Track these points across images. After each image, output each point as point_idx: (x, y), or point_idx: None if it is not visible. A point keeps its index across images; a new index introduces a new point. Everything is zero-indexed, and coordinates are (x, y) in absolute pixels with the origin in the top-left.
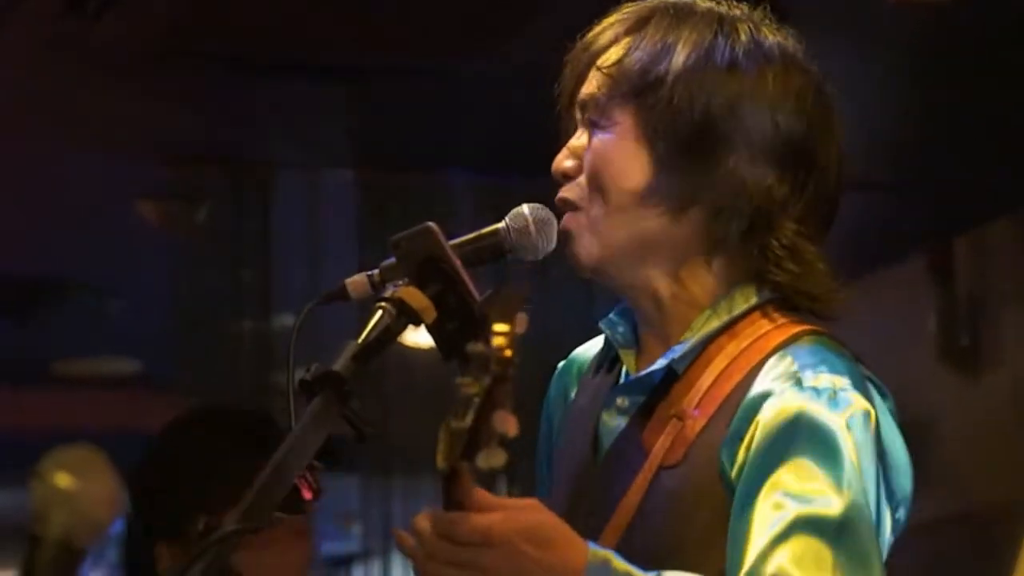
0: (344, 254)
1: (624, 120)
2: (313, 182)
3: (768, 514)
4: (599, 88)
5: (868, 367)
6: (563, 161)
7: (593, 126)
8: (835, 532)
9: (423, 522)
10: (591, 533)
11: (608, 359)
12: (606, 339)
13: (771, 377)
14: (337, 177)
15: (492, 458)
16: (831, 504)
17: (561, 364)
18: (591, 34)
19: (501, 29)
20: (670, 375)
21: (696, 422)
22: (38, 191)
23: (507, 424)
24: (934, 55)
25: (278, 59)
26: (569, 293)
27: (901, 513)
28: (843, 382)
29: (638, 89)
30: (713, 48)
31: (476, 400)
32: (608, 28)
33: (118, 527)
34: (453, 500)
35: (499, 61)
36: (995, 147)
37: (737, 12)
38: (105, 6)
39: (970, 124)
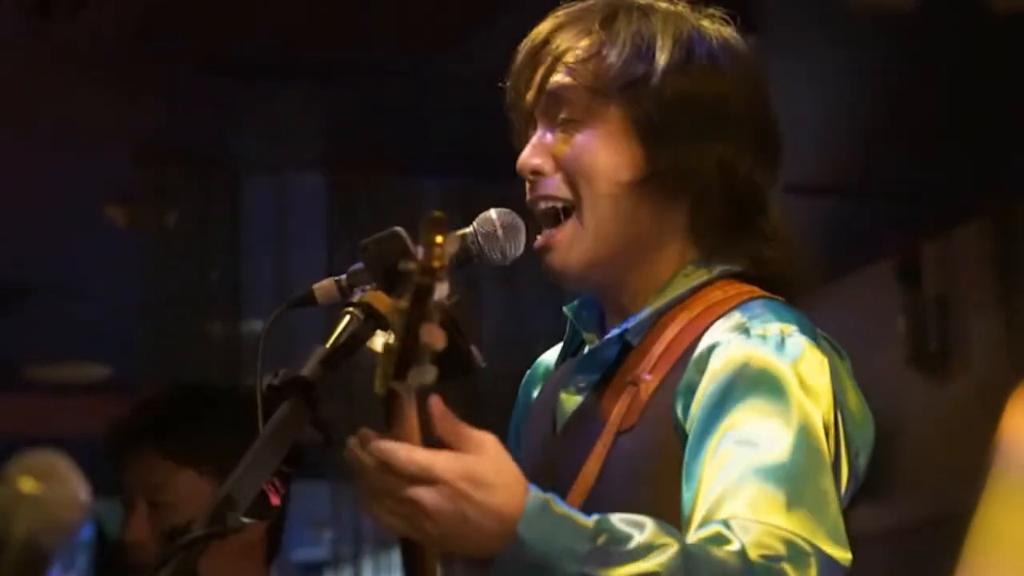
0: (313, 256)
1: (609, 116)
2: (282, 184)
3: (720, 460)
4: (572, 84)
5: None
6: (532, 158)
7: (567, 123)
8: (787, 474)
9: (364, 453)
10: None
11: (572, 349)
12: (569, 327)
13: (719, 331)
14: (306, 179)
15: (423, 375)
16: (782, 447)
17: (528, 372)
18: (544, 30)
19: (470, 30)
20: (625, 348)
21: (649, 384)
22: (4, 193)
23: (434, 336)
24: (900, 60)
25: (247, 60)
26: (538, 295)
27: (861, 460)
28: (790, 328)
29: (623, 85)
30: (691, 43)
31: (405, 316)
32: (567, 25)
33: (87, 532)
34: (395, 424)
35: (468, 62)
36: (964, 151)
37: (691, 9)
38: (74, 7)
39: (939, 128)
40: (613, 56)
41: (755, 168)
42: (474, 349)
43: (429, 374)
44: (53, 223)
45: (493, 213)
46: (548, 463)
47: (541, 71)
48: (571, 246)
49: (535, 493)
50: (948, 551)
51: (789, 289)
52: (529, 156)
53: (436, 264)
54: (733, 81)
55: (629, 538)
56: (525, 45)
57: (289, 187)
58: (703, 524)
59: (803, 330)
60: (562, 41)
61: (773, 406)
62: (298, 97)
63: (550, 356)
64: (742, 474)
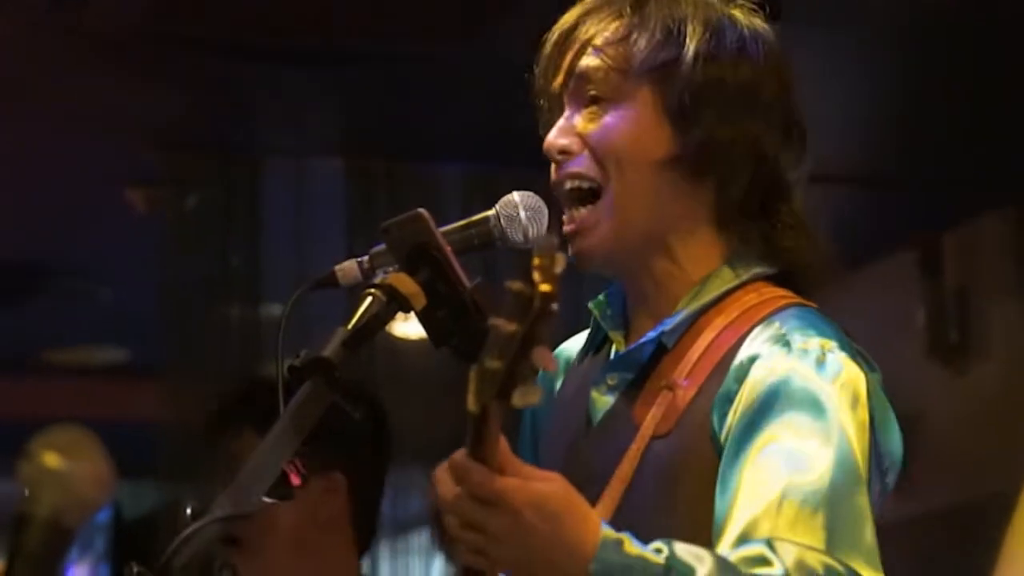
0: (333, 241)
1: (640, 96)
2: (302, 169)
3: (759, 473)
4: (601, 66)
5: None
6: (559, 139)
7: (596, 101)
8: (826, 497)
9: (444, 471)
10: None
11: (595, 344)
12: (593, 322)
13: (759, 341)
14: (326, 164)
15: (528, 395)
16: (822, 468)
17: None
18: (573, 16)
19: (491, 16)
20: (659, 350)
21: (686, 392)
22: (26, 178)
23: (547, 360)
24: (922, 52)
25: (268, 46)
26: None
27: (891, 477)
28: (831, 344)
29: (655, 66)
30: (722, 29)
31: (516, 337)
32: (595, 10)
33: (105, 515)
34: (480, 444)
35: (489, 47)
36: (983, 142)
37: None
38: None
39: (959, 119)
40: (644, 39)
41: (780, 155)
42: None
43: (534, 395)
44: (73, 207)
45: (516, 196)
46: (580, 462)
47: (570, 55)
48: (598, 227)
49: (607, 531)
50: (969, 540)
51: (816, 287)
52: (556, 136)
53: (550, 289)
54: (762, 69)
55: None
56: (554, 32)
57: (309, 172)
58: (743, 540)
59: (842, 346)
60: (591, 25)
61: (813, 424)
62: (318, 82)
63: (571, 346)
64: (783, 493)
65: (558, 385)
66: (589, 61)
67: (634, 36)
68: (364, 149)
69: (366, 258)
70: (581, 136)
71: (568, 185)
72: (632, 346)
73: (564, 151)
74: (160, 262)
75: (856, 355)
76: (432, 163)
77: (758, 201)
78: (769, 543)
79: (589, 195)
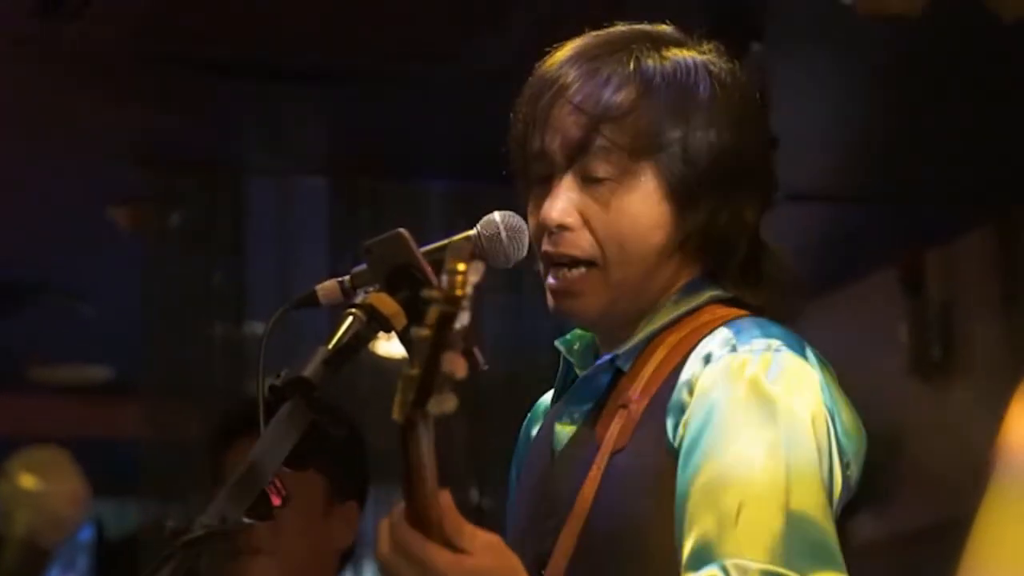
0: (316, 259)
1: (644, 176)
2: (285, 187)
3: (710, 487)
4: (609, 145)
5: (823, 355)
6: (565, 217)
7: (599, 181)
8: (780, 507)
9: (384, 530)
10: (553, 531)
11: (567, 383)
12: (563, 361)
13: (709, 347)
14: (309, 182)
15: (443, 403)
16: (774, 478)
17: (528, 415)
18: (569, 73)
19: (475, 34)
20: (616, 376)
21: (639, 404)
22: (9, 194)
23: (456, 365)
24: (906, 68)
25: (251, 64)
26: (542, 301)
27: (852, 471)
28: (777, 343)
29: (658, 145)
30: (718, 102)
31: (425, 343)
32: (592, 71)
33: (88, 533)
34: (409, 455)
35: (471, 67)
36: (966, 159)
37: (709, 49)
38: (79, 9)
39: (941, 136)
40: (651, 114)
41: (760, 214)
42: (476, 351)
43: (449, 403)
44: (57, 225)
45: (497, 216)
46: (546, 489)
47: (571, 122)
48: (593, 295)
49: None
50: (950, 559)
51: (777, 313)
52: (558, 211)
53: (459, 293)
54: (749, 129)
55: None
56: (546, 81)
57: (292, 190)
58: (697, 559)
59: (789, 344)
60: (593, 90)
61: (763, 431)
62: (301, 100)
63: (548, 397)
64: (738, 506)
65: (534, 432)
66: (592, 137)
67: (640, 111)
68: (347, 167)
69: (347, 278)
70: (582, 214)
71: (565, 260)
72: (588, 372)
73: (563, 226)
74: (143, 280)
75: (804, 351)
76: (415, 181)
77: (746, 262)
78: (723, 567)
79: (583, 263)
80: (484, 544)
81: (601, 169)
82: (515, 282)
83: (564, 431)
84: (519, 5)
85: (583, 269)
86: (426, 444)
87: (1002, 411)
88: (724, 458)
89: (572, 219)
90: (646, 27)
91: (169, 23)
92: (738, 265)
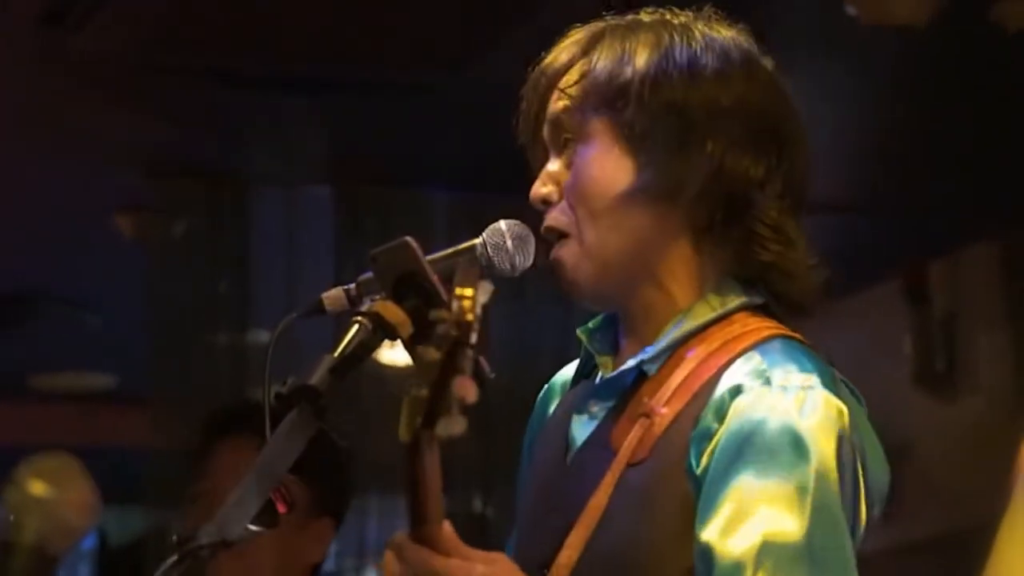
0: (321, 268)
1: (600, 130)
2: (290, 196)
3: (733, 525)
4: (566, 107)
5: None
6: (540, 188)
7: (567, 144)
8: (805, 551)
9: (391, 554)
10: (559, 534)
11: (587, 369)
12: (584, 349)
13: (740, 374)
14: (314, 191)
15: (451, 425)
16: (799, 519)
17: (544, 389)
18: (544, 59)
19: (480, 43)
20: (641, 377)
21: (663, 418)
22: (14, 203)
23: (466, 389)
24: (910, 78)
25: (256, 72)
26: (546, 309)
27: (876, 509)
28: (812, 380)
29: (607, 97)
30: (671, 48)
31: (436, 366)
32: (562, 51)
33: (90, 541)
34: (415, 476)
35: (477, 76)
36: (972, 170)
37: (684, 18)
38: (85, 18)
39: (946, 146)
40: (595, 73)
41: (751, 166)
42: (482, 360)
43: (458, 425)
44: (61, 234)
45: (503, 224)
46: (556, 491)
47: (540, 98)
48: (576, 265)
49: None
50: (956, 570)
51: (801, 315)
52: (537, 186)
53: (469, 318)
54: (720, 81)
55: None
56: (529, 74)
57: (297, 199)
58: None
59: (824, 381)
60: (558, 67)
61: (792, 472)
62: (307, 109)
63: (567, 371)
64: (761, 550)
65: (551, 409)
66: (556, 104)
67: (588, 71)
68: (353, 176)
69: (353, 286)
70: (559, 183)
71: (549, 237)
72: (613, 374)
73: (545, 200)
74: (148, 288)
75: (839, 388)
76: (421, 190)
77: (730, 214)
78: None
79: (561, 234)
80: (490, 556)
81: (567, 132)
82: (519, 290)
83: (581, 428)
84: (524, 15)
85: (561, 241)
86: (432, 465)
87: (1006, 422)
88: (749, 499)
89: (547, 189)
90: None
91: (174, 33)
92: (724, 221)
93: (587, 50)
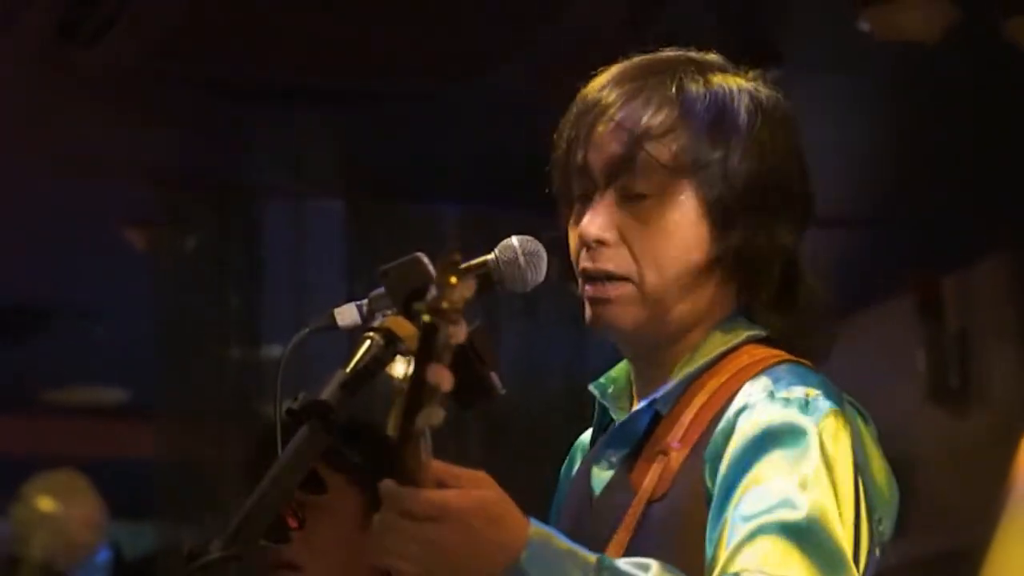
0: (331, 282)
1: (683, 194)
2: (301, 210)
3: (739, 513)
4: (650, 162)
5: (853, 398)
6: (600, 232)
7: (639, 197)
8: (803, 529)
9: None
10: None
11: (602, 425)
12: (597, 404)
13: (747, 396)
14: (325, 205)
15: (431, 416)
16: (798, 505)
17: (567, 457)
18: (612, 95)
19: (492, 57)
20: (655, 418)
21: (679, 453)
22: (24, 216)
23: (440, 377)
24: (922, 94)
25: (267, 86)
26: (557, 327)
27: (885, 525)
28: (815, 392)
29: (701, 165)
30: (758, 119)
31: (412, 356)
32: (634, 91)
33: (105, 556)
34: (406, 469)
35: (490, 89)
36: (985, 185)
37: (754, 78)
38: (96, 32)
39: (959, 161)
40: (692, 133)
41: (799, 241)
42: (493, 376)
43: (436, 416)
44: (71, 247)
45: (515, 240)
46: (581, 534)
47: (613, 139)
48: (628, 310)
49: (536, 527)
50: None
51: (811, 350)
52: (597, 226)
53: (444, 306)
54: (789, 154)
55: None
56: (589, 101)
57: (307, 212)
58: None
59: (827, 394)
60: (635, 110)
61: (794, 460)
62: (317, 123)
63: (585, 436)
64: (759, 527)
65: (574, 472)
66: (634, 153)
67: (681, 129)
68: (363, 190)
69: (365, 301)
70: (620, 231)
71: (596, 277)
72: (626, 417)
73: (600, 242)
74: (158, 302)
75: (845, 404)
76: (431, 204)
77: (781, 289)
78: (736, 575)
79: (619, 278)
80: (479, 477)
81: (641, 186)
82: (530, 308)
83: (601, 475)
84: (536, 30)
85: (619, 283)
86: (421, 458)
87: (1019, 439)
88: (755, 490)
89: (610, 235)
90: (691, 53)
91: (185, 47)
92: (773, 292)
93: (676, 97)
